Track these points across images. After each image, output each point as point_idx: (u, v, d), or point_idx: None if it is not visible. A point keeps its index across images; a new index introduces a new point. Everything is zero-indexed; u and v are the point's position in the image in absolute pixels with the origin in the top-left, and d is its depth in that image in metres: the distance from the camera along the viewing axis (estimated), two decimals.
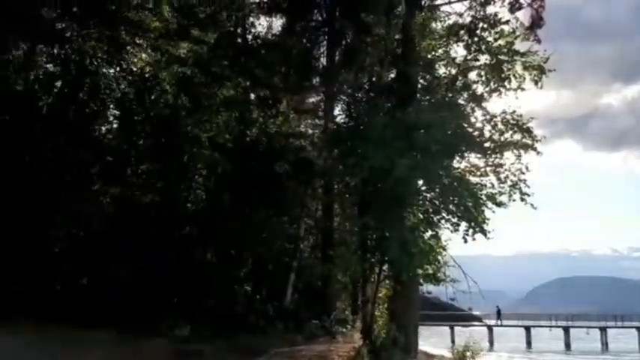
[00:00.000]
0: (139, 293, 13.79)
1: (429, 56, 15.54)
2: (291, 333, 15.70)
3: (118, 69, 17.86)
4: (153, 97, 17.44)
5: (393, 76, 17.09)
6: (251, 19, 20.51)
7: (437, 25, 16.21)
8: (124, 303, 13.53)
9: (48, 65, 17.07)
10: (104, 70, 17.80)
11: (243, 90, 18.06)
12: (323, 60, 22.46)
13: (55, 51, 16.69)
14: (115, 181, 16.96)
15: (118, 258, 14.42)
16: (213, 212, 16.12)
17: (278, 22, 21.50)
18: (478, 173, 14.23)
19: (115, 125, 18.65)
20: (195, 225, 16.32)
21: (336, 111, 21.11)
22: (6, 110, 13.77)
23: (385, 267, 14.48)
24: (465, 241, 13.59)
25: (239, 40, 19.67)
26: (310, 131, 22.11)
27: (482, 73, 14.63)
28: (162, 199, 16.54)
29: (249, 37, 20.18)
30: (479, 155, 14.24)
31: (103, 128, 18.42)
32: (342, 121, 19.21)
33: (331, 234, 20.03)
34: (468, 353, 15.13)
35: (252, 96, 18.78)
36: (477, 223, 13.46)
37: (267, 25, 21.27)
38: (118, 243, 14.70)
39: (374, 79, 18.74)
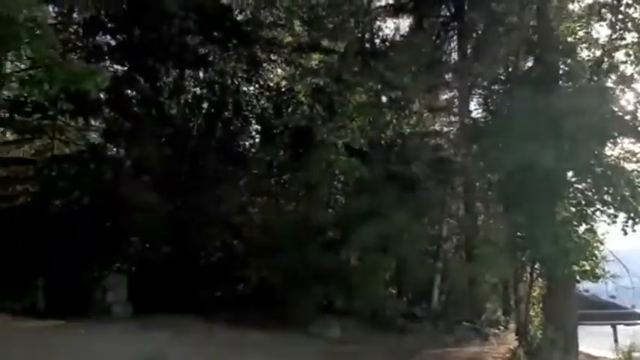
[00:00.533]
0: (290, 296, 14.49)
1: (569, 40, 14.58)
2: (441, 335, 15.45)
3: (256, 86, 18.99)
4: (290, 110, 18.26)
5: (530, 64, 16.25)
6: (378, 22, 20.71)
7: (575, 6, 15.17)
8: (275, 305, 14.33)
9: (195, 89, 18.59)
10: (244, 88, 19.03)
11: (374, 94, 18.24)
12: (454, 55, 21.98)
13: (201, 74, 18.17)
14: (261, 192, 18.01)
15: (267, 264, 15.30)
16: (354, 216, 16.41)
17: (405, 23, 21.46)
18: (634, 160, 13.03)
19: (256, 139, 19.78)
20: (337, 229, 16.75)
21: (472, 106, 20.50)
22: (162, 132, 15.19)
23: (537, 265, 13.74)
24: (625, 234, 12.51)
25: (367, 46, 19.91)
26: (446, 129, 21.68)
27: (631, 52, 13.42)
28: (305, 206, 17.22)
29: (377, 41, 20.35)
30: (633, 140, 13.05)
31: (247, 143, 19.62)
32: (479, 115, 18.63)
33: (475, 233, 19.43)
34: (636, 354, 13.78)
35: (384, 99, 18.88)
36: (636, 214, 12.34)
37: (394, 27, 21.33)
38: (266, 250, 15.63)
39: (510, 69, 17.97)
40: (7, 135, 17.65)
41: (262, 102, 19.15)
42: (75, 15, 13.80)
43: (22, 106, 13.62)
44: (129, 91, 14.01)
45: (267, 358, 9.87)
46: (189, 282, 15.66)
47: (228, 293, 15.67)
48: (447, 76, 21.47)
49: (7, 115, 13.83)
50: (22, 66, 14.42)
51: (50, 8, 12.73)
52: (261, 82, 19.11)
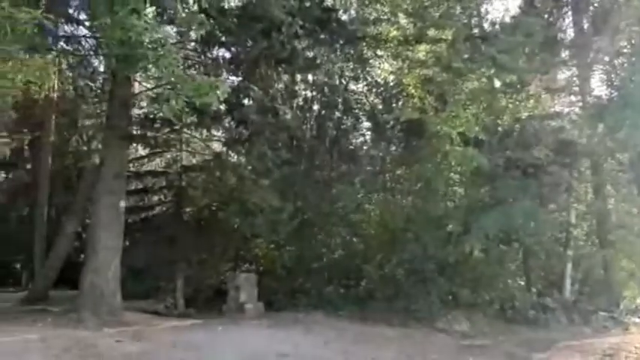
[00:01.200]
0: (414, 291, 14.45)
1: None
2: (577, 326, 14.60)
3: (364, 83, 19.13)
4: (400, 103, 18.16)
5: None
6: (485, 6, 19.98)
7: None
8: (399, 300, 14.36)
9: (305, 92, 19.08)
10: (352, 86, 19.24)
11: (487, 79, 17.61)
12: (570, 32, 20.67)
13: (310, 77, 18.61)
14: (376, 188, 18.12)
15: (388, 259, 15.36)
16: (474, 207, 15.99)
17: (515, 3, 20.54)
18: None
19: (368, 136, 19.89)
20: (457, 221, 16.40)
21: (593, 83, 19.20)
22: (278, 137, 15.68)
23: None
24: None
25: (476, 31, 19.27)
26: (567, 110, 20.43)
27: None
28: (422, 199, 17.05)
29: (486, 24, 19.63)
30: None
31: (358, 140, 19.82)
32: (602, 92, 17.44)
33: (607, 218, 18.15)
34: None
35: (498, 83, 18.15)
36: None
37: (503, 8, 20.51)
38: (386, 245, 15.73)
39: (633, 41, 16.63)
40: (140, 150, 19.25)
41: (371, 98, 19.24)
42: (192, 33, 14.66)
43: (152, 122, 14.74)
44: (245, 100, 14.67)
45: (399, 353, 9.92)
46: (313, 280, 16.14)
47: (352, 289, 15.94)
48: (564, 54, 20.26)
49: (139, 131, 15.02)
50: (149, 85, 15.69)
51: (170, 29, 13.67)
52: (369, 79, 19.21)
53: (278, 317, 13.53)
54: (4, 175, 23.15)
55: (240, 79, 14.76)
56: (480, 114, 17.51)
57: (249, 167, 14.94)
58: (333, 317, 13.72)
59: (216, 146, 17.69)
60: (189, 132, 16.67)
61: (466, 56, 17.26)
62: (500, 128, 17.51)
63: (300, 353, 9.05)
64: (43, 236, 20.60)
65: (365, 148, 19.63)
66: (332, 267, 16.90)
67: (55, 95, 19.09)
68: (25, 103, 14.75)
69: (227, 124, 14.97)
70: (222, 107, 13.67)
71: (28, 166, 23.97)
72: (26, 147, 21.31)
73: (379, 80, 19.13)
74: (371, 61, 18.91)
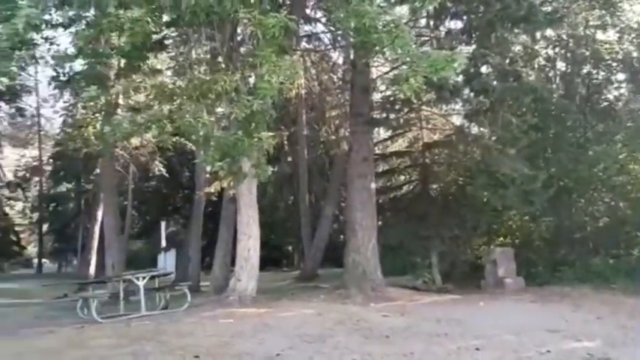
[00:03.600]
0: None
1: None
2: None
3: (615, 30, 16.93)
4: None
5: None
6: None
7: None
8: None
9: (546, 49, 17.59)
10: (601, 36, 17.17)
11: None
12: None
13: (551, 33, 17.08)
14: None
15: None
16: None
17: None
18: None
19: (623, 89, 17.54)
20: None
21: None
22: (523, 101, 14.73)
23: None
24: None
25: None
26: None
27: None
28: None
29: None
30: None
31: (614, 95, 17.60)
32: None
33: None
34: None
35: None
36: None
37: None
38: None
39: None
40: (382, 133, 20.01)
41: (625, 46, 16.85)
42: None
43: (392, 104, 15.16)
44: (483, 68, 14.11)
45: None
46: (577, 251, 14.93)
47: (623, 259, 14.31)
48: None
49: (381, 115, 15.58)
50: (386, 68, 16.15)
51: (400, 9, 13.84)
52: (620, 25, 16.84)
53: (541, 292, 12.82)
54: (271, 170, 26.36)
55: (475, 47, 14.24)
56: None
57: (494, 137, 14.36)
58: (604, 290, 12.48)
59: (457, 120, 17.45)
60: (428, 109, 16.74)
61: None
62: None
63: (572, 329, 8.40)
64: (307, 221, 22.89)
65: (622, 102, 17.31)
66: (597, 236, 15.38)
67: (303, 92, 20.95)
68: (280, 103, 16.47)
69: (466, 96, 14.58)
70: (460, 79, 13.38)
71: (289, 159, 26.83)
72: (285, 142, 23.78)
73: (633, 25, 16.64)
74: (620, 4, 16.53)
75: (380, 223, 15.88)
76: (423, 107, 16.20)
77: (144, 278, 10.83)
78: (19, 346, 7.45)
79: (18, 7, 8.48)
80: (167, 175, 29.36)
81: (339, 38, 19.04)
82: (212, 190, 16.79)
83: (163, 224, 21.38)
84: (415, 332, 8.19)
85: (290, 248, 32.78)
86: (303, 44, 19.90)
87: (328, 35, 19.70)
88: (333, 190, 21.56)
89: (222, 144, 10.11)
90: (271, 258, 26.16)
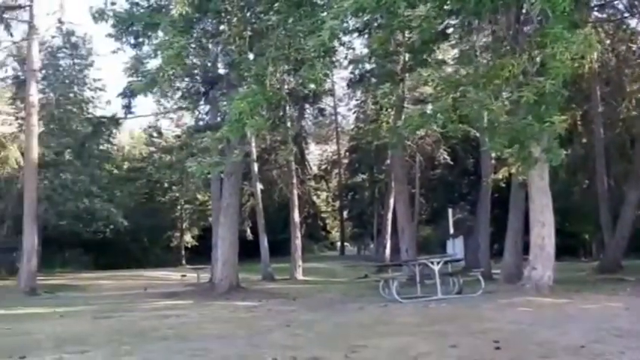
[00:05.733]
0: None
1: None
2: None
3: None
4: None
5: None
6: None
7: None
8: None
9: None
10: None
11: None
12: None
13: None
14: None
15: None
16: None
17: None
18: None
19: None
20: None
21: None
22: None
23: None
24: None
25: None
26: None
27: None
28: None
29: None
30: None
31: None
32: None
33: None
34: None
35: None
36: None
37: None
38: None
39: None
40: None
41: None
42: None
43: None
44: None
45: None
46: None
47: None
48: None
49: None
50: None
51: None
52: None
53: None
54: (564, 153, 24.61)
55: None
56: None
57: None
58: None
59: None
60: None
61: None
62: None
63: None
64: (606, 207, 20.80)
65: None
66: None
67: (597, 66, 18.98)
68: (571, 80, 15.21)
69: None
70: None
71: (583, 140, 24.62)
72: (578, 122, 21.92)
73: None
74: None
75: None
76: None
77: (438, 263, 11.32)
78: (338, 319, 8.62)
79: (322, 20, 9.70)
80: (452, 162, 29.92)
81: (636, 3, 16.82)
82: (500, 177, 16.56)
83: (450, 211, 21.89)
84: None
85: (586, 236, 30.16)
86: (595, 14, 18.05)
87: (624, 1, 17.56)
88: (636, 173, 19.17)
89: (509, 130, 9.92)
90: (566, 247, 24.46)
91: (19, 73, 25.72)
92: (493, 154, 17.91)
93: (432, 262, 11.36)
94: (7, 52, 23.91)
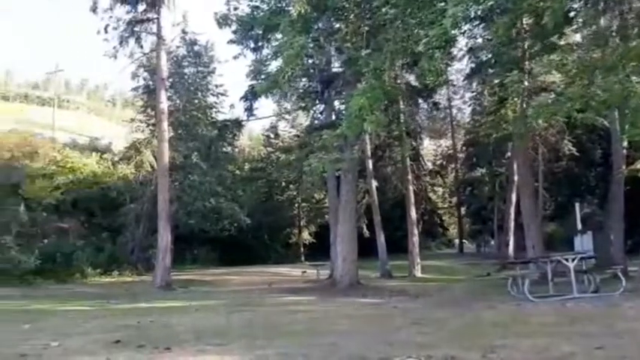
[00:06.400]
0: None
1: None
2: None
3: None
4: None
5: None
6: None
7: None
8: None
9: None
10: None
11: None
12: None
13: None
14: None
15: None
16: None
17: None
18: None
19: None
20: None
21: None
22: None
23: None
24: None
25: None
26: None
27: None
28: None
29: None
30: None
31: None
32: None
33: None
34: None
35: None
36: None
37: None
38: None
39: None
40: None
41: None
42: None
43: None
44: None
45: None
46: None
47: None
48: None
49: None
50: None
51: None
52: None
53: None
54: None
55: None
56: None
57: None
58: None
59: None
60: None
61: None
62: None
63: None
64: None
65: None
66: None
67: None
68: None
69: None
70: None
71: None
72: None
73: None
74: None
75: None
76: None
77: (574, 260, 10.58)
78: (468, 317, 8.32)
79: (441, 9, 9.38)
80: (577, 153, 27.86)
81: None
82: (639, 167, 15.20)
83: (577, 205, 20.34)
84: None
85: None
86: None
87: None
88: None
89: None
90: None
91: (150, 83, 27.57)
92: (625, 144, 16.53)
93: (567, 259, 10.63)
94: (139, 63, 25.82)
